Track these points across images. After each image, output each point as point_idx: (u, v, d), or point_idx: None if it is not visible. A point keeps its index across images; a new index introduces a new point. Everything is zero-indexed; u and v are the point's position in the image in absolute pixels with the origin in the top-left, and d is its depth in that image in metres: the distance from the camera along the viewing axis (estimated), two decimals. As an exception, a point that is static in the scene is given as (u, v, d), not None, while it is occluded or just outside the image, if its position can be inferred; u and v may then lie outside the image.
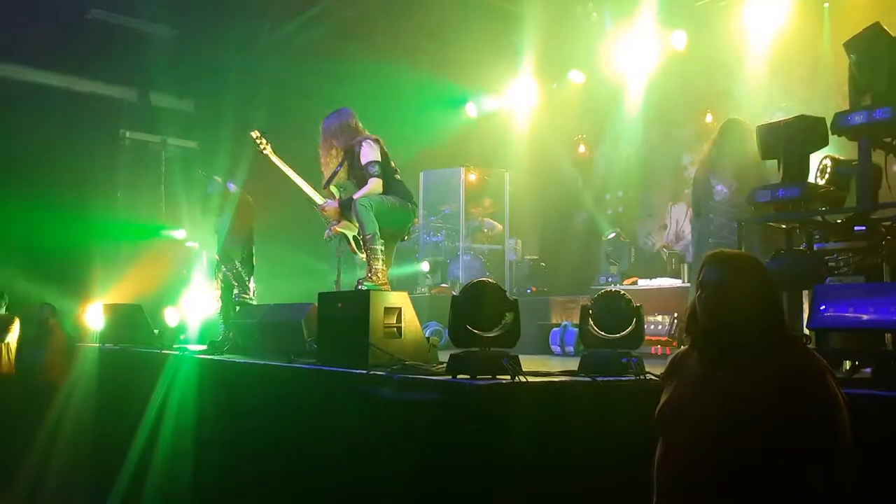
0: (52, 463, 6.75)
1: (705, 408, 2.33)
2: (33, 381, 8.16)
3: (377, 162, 5.22)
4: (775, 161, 4.39)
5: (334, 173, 5.41)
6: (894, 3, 6.45)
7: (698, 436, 2.30)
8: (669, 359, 2.67)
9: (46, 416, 7.09)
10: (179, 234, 9.46)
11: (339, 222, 5.47)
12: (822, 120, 4.17)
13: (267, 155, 5.57)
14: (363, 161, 5.24)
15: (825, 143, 4.23)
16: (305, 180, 5.53)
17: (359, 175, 5.34)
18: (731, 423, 2.24)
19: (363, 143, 5.28)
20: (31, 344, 8.50)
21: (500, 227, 10.36)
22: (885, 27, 3.86)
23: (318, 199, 5.48)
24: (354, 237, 5.45)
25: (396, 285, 5.57)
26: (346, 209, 5.34)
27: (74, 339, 8.24)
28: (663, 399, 2.49)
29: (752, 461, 2.21)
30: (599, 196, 10.05)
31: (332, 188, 5.47)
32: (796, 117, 4.33)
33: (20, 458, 6.94)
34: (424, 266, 9.79)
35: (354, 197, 5.22)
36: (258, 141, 5.49)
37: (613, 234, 8.60)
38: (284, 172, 5.55)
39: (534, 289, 9.29)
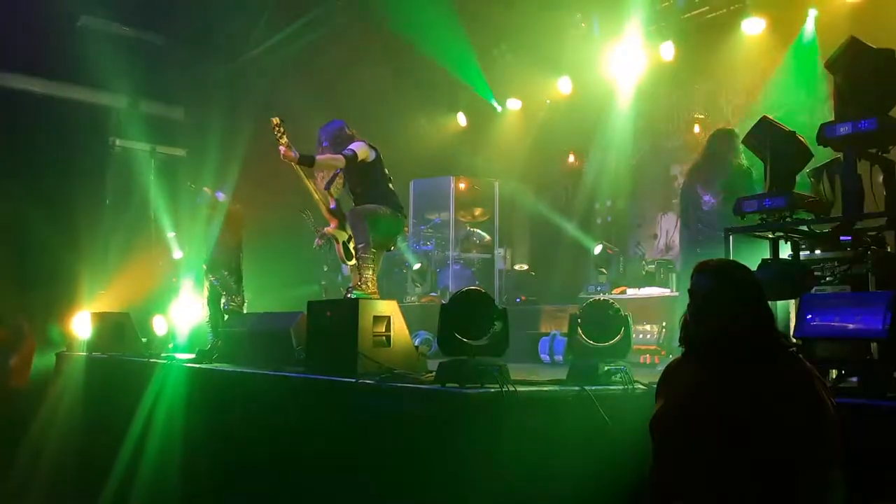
0: (38, 472, 6.68)
1: (698, 417, 2.34)
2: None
3: (355, 153, 5.25)
4: (762, 172, 4.42)
5: (333, 176, 5.45)
6: (878, 12, 6.53)
7: (691, 444, 2.31)
8: (664, 368, 2.68)
9: (33, 425, 7.02)
10: (169, 234, 9.42)
11: (329, 225, 5.50)
12: (806, 148, 4.22)
13: (282, 145, 5.43)
14: (349, 145, 5.27)
15: (802, 168, 4.30)
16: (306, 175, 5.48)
17: (354, 179, 5.37)
18: (723, 432, 2.26)
19: (356, 142, 5.33)
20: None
21: (487, 237, 10.38)
22: (863, 38, 3.91)
23: (316, 196, 5.50)
24: (344, 243, 5.47)
25: (385, 292, 5.57)
26: (304, 164, 5.29)
27: (58, 347, 8.16)
28: (657, 408, 2.50)
29: (744, 469, 2.22)
30: (589, 205, 10.07)
31: (332, 191, 5.51)
32: (790, 132, 4.35)
33: (5, 467, 6.87)
34: (416, 266, 9.76)
35: (318, 157, 5.26)
36: (277, 129, 5.31)
37: (600, 249, 8.58)
38: (292, 167, 5.46)
39: (523, 298, 9.29)
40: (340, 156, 5.23)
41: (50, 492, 6.58)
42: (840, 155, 4.45)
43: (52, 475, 6.63)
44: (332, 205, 5.51)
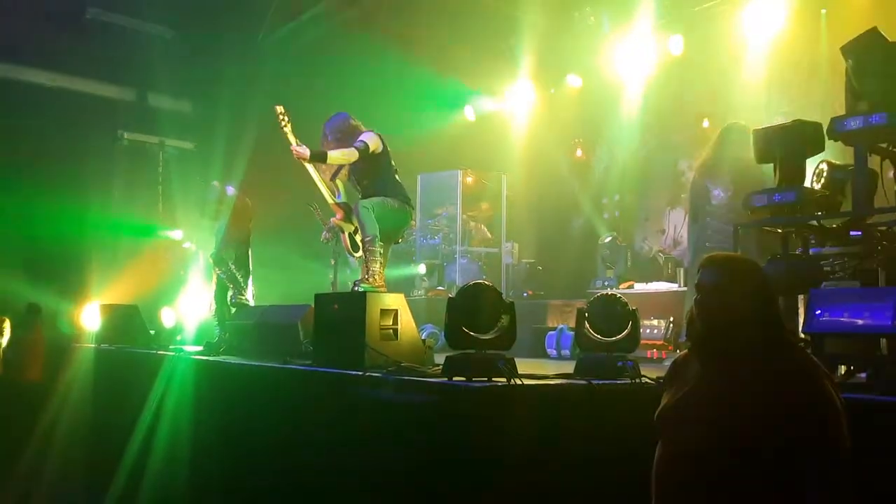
0: (46, 464, 6.72)
1: (704, 411, 2.33)
2: (11, 381, 8.10)
3: (366, 144, 5.23)
4: (772, 165, 4.40)
5: (338, 170, 5.43)
6: (890, 10, 6.48)
7: (697, 439, 2.31)
8: (671, 363, 2.67)
9: (41, 417, 7.06)
10: (176, 234, 9.46)
11: (336, 215, 5.48)
12: (819, 125, 4.19)
13: (286, 133, 5.31)
14: (355, 137, 5.26)
15: (821, 149, 4.25)
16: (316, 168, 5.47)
17: (359, 170, 5.36)
18: (729, 427, 2.25)
19: (365, 133, 5.31)
20: (11, 343, 8.43)
21: (489, 234, 10.39)
22: (882, 32, 3.88)
23: (322, 187, 5.49)
24: (350, 234, 5.46)
25: (393, 288, 5.57)
26: (316, 160, 5.30)
27: (68, 340, 8.20)
28: (663, 402, 2.50)
29: (750, 465, 2.21)
30: (596, 200, 10.06)
31: (338, 182, 5.49)
32: (793, 122, 4.35)
33: (14, 459, 6.91)
34: (421, 268, 9.80)
35: (329, 153, 5.22)
36: (281, 117, 5.28)
37: (610, 238, 8.62)
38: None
39: (530, 292, 9.29)
40: (353, 149, 5.21)
41: (59, 482, 6.62)
42: (829, 161, 4.46)
43: (61, 466, 6.67)
44: (339, 196, 5.51)
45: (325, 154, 5.20)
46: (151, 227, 10.06)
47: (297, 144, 5.16)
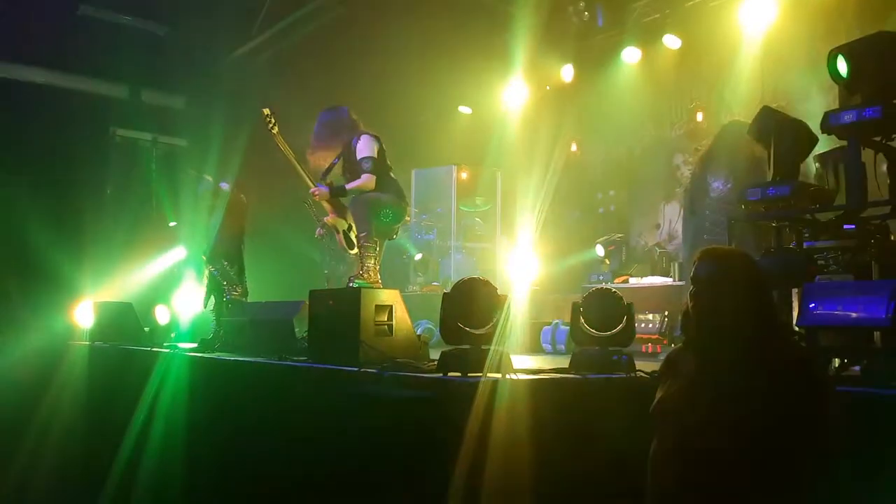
0: (41, 462, 6.70)
1: (698, 404, 2.34)
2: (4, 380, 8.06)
3: (373, 158, 5.22)
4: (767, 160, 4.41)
5: (331, 166, 5.41)
6: (883, 4, 6.49)
7: (693, 432, 2.31)
8: (665, 356, 2.68)
9: (35, 414, 7.03)
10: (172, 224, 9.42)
11: (328, 214, 5.48)
12: (813, 135, 4.22)
13: (274, 134, 5.38)
14: (359, 156, 5.25)
15: (807, 155, 4.29)
16: (304, 169, 5.48)
17: (353, 170, 5.34)
18: (724, 420, 2.25)
19: (362, 138, 5.29)
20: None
21: (482, 223, 10.39)
22: (869, 22, 3.91)
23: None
24: (345, 232, 5.46)
25: (387, 281, 5.56)
26: (336, 196, 5.36)
27: (61, 337, 8.16)
28: (658, 396, 2.50)
29: (745, 456, 2.22)
30: (591, 195, 10.06)
31: (331, 180, 5.48)
32: (795, 120, 4.35)
33: (9, 457, 6.89)
34: (417, 256, 9.77)
35: (347, 187, 5.25)
36: (268, 119, 5.34)
37: (602, 251, 8.51)
38: (285, 156, 5.45)
39: (525, 286, 9.27)
40: (368, 175, 5.19)
41: (54, 481, 6.60)
42: (838, 144, 4.47)
43: (55, 464, 6.65)
44: (326, 189, 5.49)
45: (344, 189, 5.29)
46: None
47: (314, 185, 5.33)
